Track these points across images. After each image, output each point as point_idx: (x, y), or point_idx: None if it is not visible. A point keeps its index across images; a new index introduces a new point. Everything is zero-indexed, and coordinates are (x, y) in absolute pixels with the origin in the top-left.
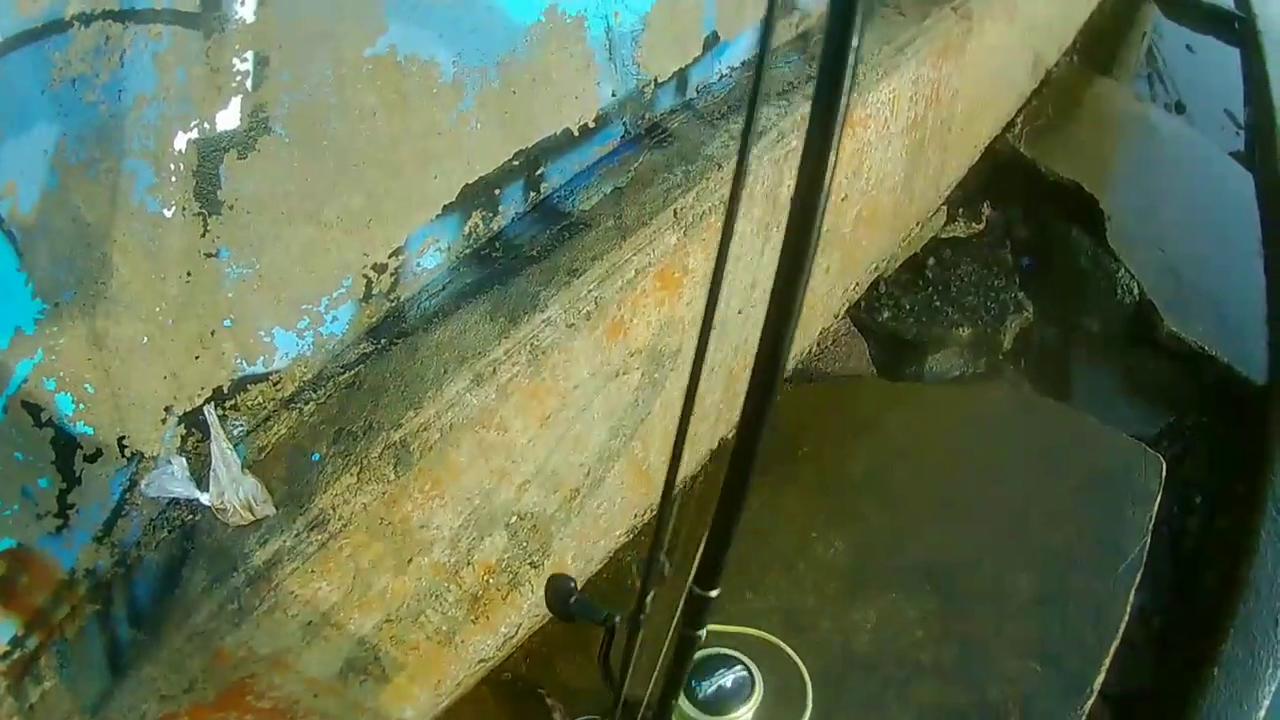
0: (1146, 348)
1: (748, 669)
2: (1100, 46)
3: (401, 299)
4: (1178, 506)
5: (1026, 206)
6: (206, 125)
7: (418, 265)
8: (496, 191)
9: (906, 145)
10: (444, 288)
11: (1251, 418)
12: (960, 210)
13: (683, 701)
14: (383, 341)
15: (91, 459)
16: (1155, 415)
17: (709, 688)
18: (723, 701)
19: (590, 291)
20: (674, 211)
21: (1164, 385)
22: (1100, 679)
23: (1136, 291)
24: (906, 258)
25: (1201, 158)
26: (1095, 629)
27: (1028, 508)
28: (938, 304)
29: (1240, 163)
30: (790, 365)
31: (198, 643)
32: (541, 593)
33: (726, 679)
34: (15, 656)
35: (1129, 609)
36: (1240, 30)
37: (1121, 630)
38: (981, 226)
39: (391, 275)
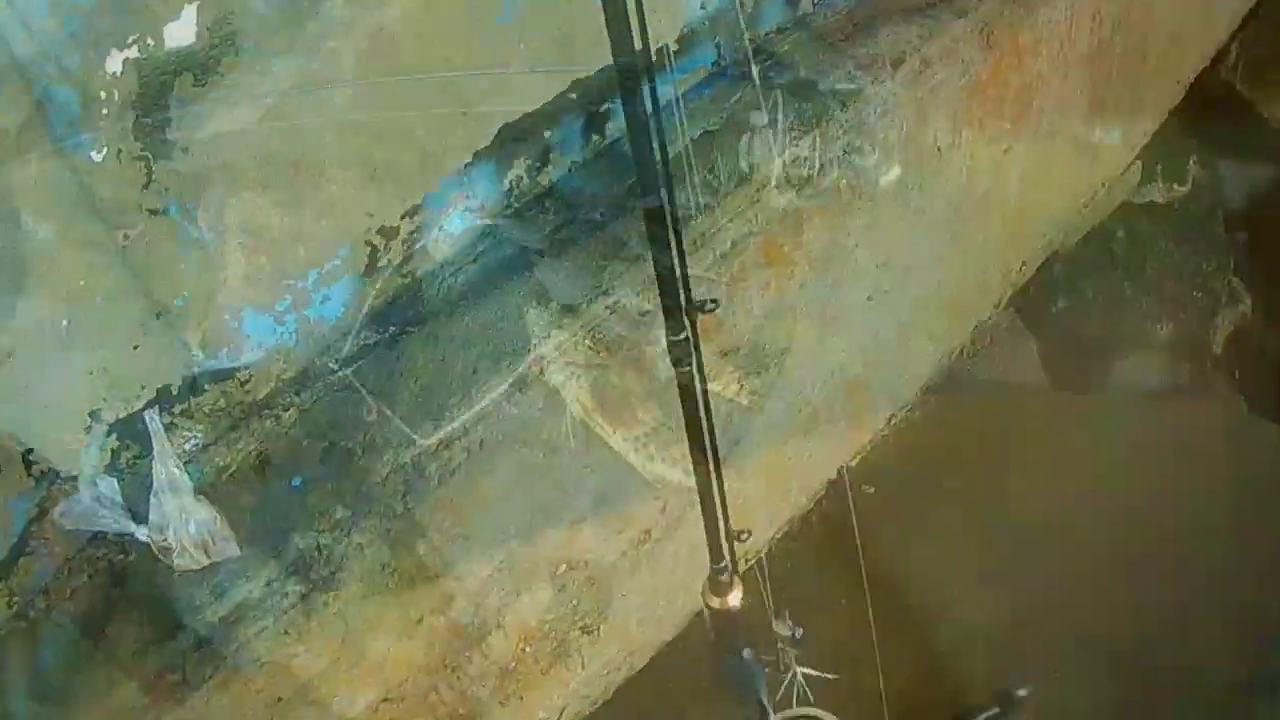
0: None
1: None
2: None
3: (417, 274)
4: None
5: (1244, 164)
6: (150, 41)
7: (440, 230)
8: (546, 134)
9: (1088, 79)
10: (475, 260)
11: None
12: (1158, 167)
13: None
14: (391, 330)
15: None
16: None
17: None
18: None
19: None
20: (783, 164)
21: None
22: None
23: None
24: (1089, 228)
25: None
26: None
27: (1239, 565)
28: (1129, 292)
29: None
30: (935, 365)
31: None
32: (593, 665)
33: None
34: None
35: None
36: None
37: None
38: (1186, 189)
39: (404, 243)
